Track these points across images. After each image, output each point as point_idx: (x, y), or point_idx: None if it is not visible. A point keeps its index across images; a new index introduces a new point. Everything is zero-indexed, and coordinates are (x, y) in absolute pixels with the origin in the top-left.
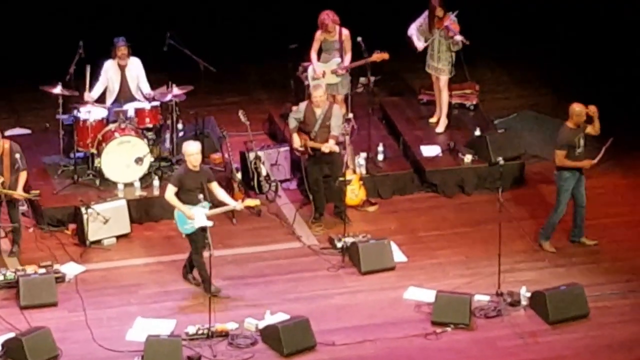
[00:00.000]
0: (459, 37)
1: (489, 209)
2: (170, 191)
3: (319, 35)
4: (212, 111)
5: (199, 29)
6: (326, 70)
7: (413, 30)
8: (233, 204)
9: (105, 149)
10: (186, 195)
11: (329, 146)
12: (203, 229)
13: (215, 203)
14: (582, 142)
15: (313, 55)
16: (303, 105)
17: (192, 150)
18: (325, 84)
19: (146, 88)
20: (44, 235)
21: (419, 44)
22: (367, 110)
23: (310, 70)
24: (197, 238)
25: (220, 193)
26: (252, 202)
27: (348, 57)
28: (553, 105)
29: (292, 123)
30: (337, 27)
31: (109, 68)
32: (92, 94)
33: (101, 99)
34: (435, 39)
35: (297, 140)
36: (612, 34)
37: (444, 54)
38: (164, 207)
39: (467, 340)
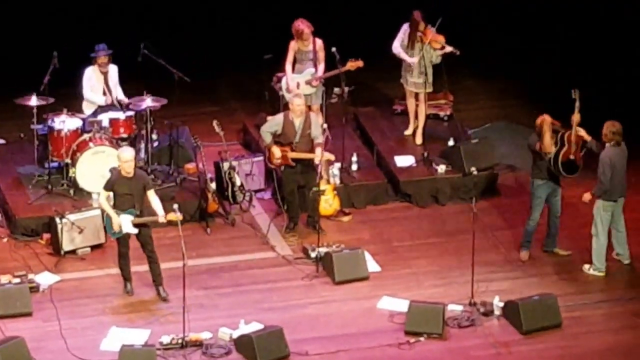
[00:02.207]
0: (449, 48)
1: (462, 219)
2: (102, 196)
3: (293, 44)
4: (187, 121)
5: (173, 39)
6: (300, 82)
7: (399, 48)
8: (159, 214)
9: (79, 159)
10: (118, 201)
11: (321, 155)
12: (129, 235)
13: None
14: (553, 149)
15: (288, 67)
16: (280, 117)
17: (126, 157)
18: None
19: (120, 94)
20: (18, 245)
21: (412, 59)
22: (341, 121)
23: (283, 82)
24: (122, 242)
25: (154, 201)
26: (174, 216)
27: (321, 67)
28: (526, 115)
29: (268, 137)
30: (311, 38)
31: (92, 76)
32: (98, 102)
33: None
34: (416, 53)
35: (278, 152)
36: (585, 43)
37: (425, 69)
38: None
39: (441, 350)
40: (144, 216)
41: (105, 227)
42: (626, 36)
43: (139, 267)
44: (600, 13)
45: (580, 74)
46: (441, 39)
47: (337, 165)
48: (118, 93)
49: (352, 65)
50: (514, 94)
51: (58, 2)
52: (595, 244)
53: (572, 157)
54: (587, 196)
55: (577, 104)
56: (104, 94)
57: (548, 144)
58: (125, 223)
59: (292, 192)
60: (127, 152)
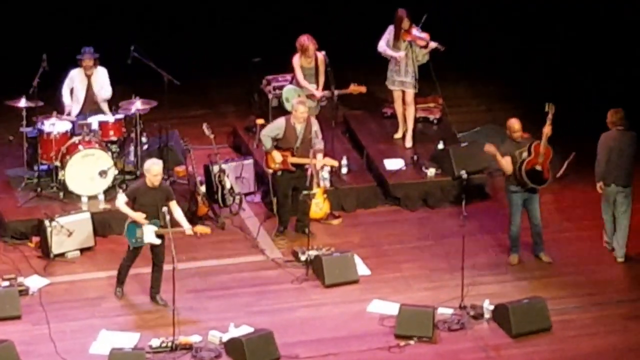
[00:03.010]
0: (434, 44)
1: (452, 223)
2: (121, 200)
3: (296, 60)
4: (176, 124)
5: (163, 42)
6: (301, 95)
7: (384, 47)
8: (186, 226)
9: (69, 162)
10: (140, 210)
11: (327, 161)
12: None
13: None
14: (525, 155)
15: (304, 82)
16: (281, 121)
17: (156, 170)
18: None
19: (107, 93)
20: (8, 248)
21: (398, 53)
22: (331, 124)
23: (286, 90)
24: (138, 252)
25: (177, 213)
26: (202, 229)
27: (321, 81)
28: (514, 118)
29: (269, 142)
30: (314, 54)
31: (75, 76)
32: (67, 106)
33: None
34: (404, 53)
35: (278, 157)
36: (574, 47)
37: (411, 67)
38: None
39: (431, 353)
40: (166, 227)
41: (126, 234)
42: (588, 50)
43: (132, 270)
44: (591, 15)
45: (542, 88)
46: (425, 36)
47: (327, 168)
48: (102, 95)
49: (354, 89)
50: (503, 98)
51: (47, 4)
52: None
53: (538, 167)
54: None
55: (550, 116)
56: (86, 97)
57: (503, 163)
58: (148, 233)
59: (287, 196)
60: (157, 166)
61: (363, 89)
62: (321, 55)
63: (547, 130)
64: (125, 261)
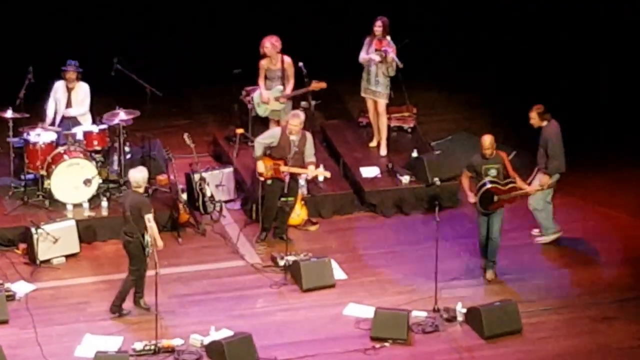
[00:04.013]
0: (392, 55)
1: (426, 228)
2: (151, 217)
3: (263, 63)
4: (158, 134)
5: (145, 54)
6: (270, 98)
7: (362, 55)
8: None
9: (54, 171)
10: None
11: (319, 172)
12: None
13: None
14: (492, 172)
15: (260, 82)
16: (277, 131)
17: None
18: (270, 110)
19: (82, 109)
20: None
21: (370, 55)
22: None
23: (256, 95)
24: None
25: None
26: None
27: (290, 84)
28: (487, 126)
29: (260, 150)
30: (279, 56)
31: (58, 88)
32: (48, 116)
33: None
34: (373, 62)
35: (262, 166)
36: (547, 56)
37: (381, 77)
38: (112, 228)
39: (406, 355)
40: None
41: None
42: (561, 59)
43: (112, 277)
44: (536, 35)
45: (515, 96)
46: (389, 49)
47: (304, 176)
48: (79, 110)
49: (316, 86)
50: (475, 106)
51: (33, 17)
52: (546, 213)
53: (496, 197)
54: (545, 180)
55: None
56: (65, 108)
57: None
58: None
59: (273, 204)
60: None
61: (323, 84)
62: (288, 58)
63: (530, 190)
64: (141, 276)
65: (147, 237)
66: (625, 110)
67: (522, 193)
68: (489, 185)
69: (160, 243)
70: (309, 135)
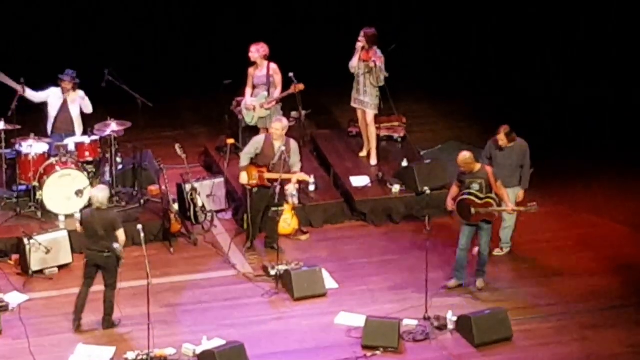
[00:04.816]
0: (378, 63)
1: (416, 237)
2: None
3: (251, 71)
4: (150, 145)
5: (136, 65)
6: (256, 105)
7: (352, 63)
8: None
9: (46, 182)
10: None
11: (300, 176)
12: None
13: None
14: (474, 187)
15: (247, 90)
16: (261, 137)
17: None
18: (257, 117)
19: (88, 109)
20: None
21: (351, 62)
22: (298, 143)
23: (243, 104)
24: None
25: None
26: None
27: (278, 91)
28: (477, 136)
29: (245, 161)
30: (265, 62)
31: (53, 94)
32: (29, 92)
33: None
34: (361, 72)
35: (244, 177)
36: (536, 64)
37: (369, 87)
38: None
39: None
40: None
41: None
42: (551, 68)
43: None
44: (523, 46)
45: (504, 105)
46: (376, 58)
47: (295, 186)
48: (85, 111)
49: (295, 87)
50: (464, 116)
51: (24, 28)
52: (508, 229)
53: (474, 210)
54: (521, 194)
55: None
56: (58, 115)
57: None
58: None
59: (259, 212)
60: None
61: (301, 86)
62: (274, 65)
63: (508, 209)
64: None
65: (119, 248)
66: (613, 119)
67: (499, 210)
68: (464, 197)
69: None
70: (293, 143)
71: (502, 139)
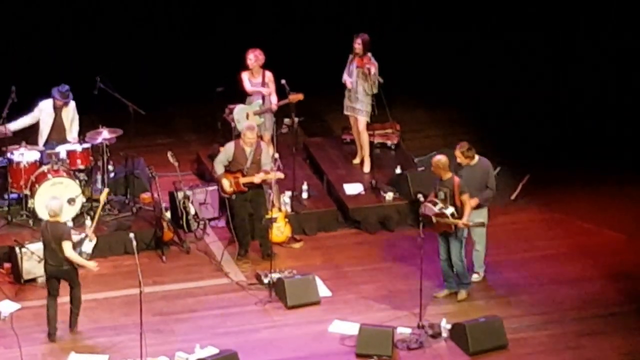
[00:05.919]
0: (373, 70)
1: (409, 245)
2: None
3: (245, 76)
4: (142, 152)
5: (128, 72)
6: (249, 113)
7: (345, 76)
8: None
9: (38, 190)
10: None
11: (261, 176)
12: None
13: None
14: (440, 195)
15: (250, 88)
16: (230, 145)
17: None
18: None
19: (74, 132)
20: None
21: (344, 78)
22: (291, 150)
23: (237, 111)
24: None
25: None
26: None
27: (274, 99)
28: (472, 143)
29: (220, 169)
30: (261, 70)
31: (45, 108)
32: (9, 127)
33: (23, 138)
34: (354, 79)
35: (227, 184)
36: (528, 73)
37: (362, 94)
38: (96, 246)
39: None
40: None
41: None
42: (544, 75)
43: (97, 295)
44: (516, 53)
45: (498, 113)
46: (370, 65)
47: (288, 193)
48: (73, 130)
49: (293, 98)
50: (458, 123)
51: (15, 37)
52: (480, 252)
53: (434, 219)
54: (474, 202)
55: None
56: (52, 127)
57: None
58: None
59: (243, 219)
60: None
61: (300, 96)
62: (269, 73)
63: (459, 222)
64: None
65: (84, 248)
66: (608, 125)
67: (450, 222)
68: (426, 204)
69: (91, 264)
70: (264, 145)
71: (459, 156)
